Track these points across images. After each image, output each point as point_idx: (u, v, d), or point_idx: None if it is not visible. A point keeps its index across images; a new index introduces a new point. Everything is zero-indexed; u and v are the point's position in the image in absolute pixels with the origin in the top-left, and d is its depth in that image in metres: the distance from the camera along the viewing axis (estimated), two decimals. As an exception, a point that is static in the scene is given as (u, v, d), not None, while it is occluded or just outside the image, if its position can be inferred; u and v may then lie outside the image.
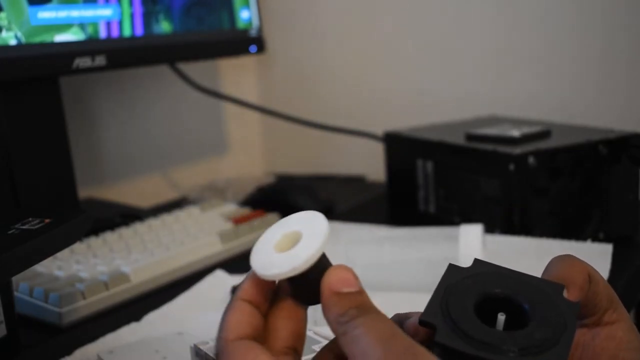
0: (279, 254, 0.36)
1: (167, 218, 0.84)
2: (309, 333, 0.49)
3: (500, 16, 1.02)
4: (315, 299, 0.35)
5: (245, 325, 0.35)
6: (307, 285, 0.35)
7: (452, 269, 0.38)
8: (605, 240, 0.73)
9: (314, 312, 0.60)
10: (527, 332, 0.34)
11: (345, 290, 0.34)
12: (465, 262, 0.40)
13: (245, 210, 0.89)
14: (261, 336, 0.36)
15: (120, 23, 0.82)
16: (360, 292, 0.34)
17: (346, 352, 0.32)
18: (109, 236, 0.77)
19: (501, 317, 0.35)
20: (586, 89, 0.98)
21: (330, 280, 0.34)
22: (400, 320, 0.38)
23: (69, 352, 0.57)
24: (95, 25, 0.80)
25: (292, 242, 0.36)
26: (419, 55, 1.11)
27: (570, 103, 0.98)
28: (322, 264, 0.35)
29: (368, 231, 0.76)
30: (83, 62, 0.78)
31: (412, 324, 0.37)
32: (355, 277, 0.34)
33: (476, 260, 0.38)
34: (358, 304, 0.33)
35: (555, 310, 0.35)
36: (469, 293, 0.36)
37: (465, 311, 0.34)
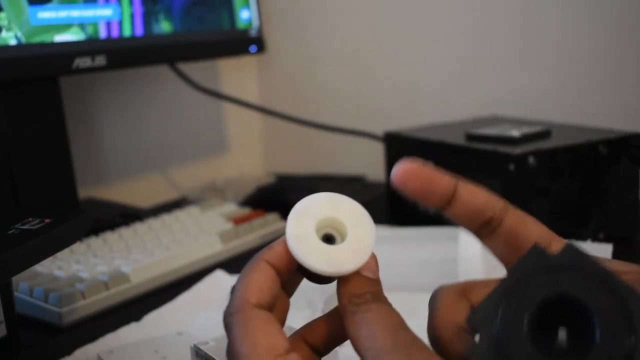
0: (324, 245, 0.33)
1: (167, 218, 0.84)
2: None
3: (500, 16, 1.02)
4: (330, 279, 0.34)
5: (267, 291, 0.33)
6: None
7: (536, 252, 0.30)
8: (605, 240, 0.73)
9: (313, 314, 0.60)
10: (601, 350, 0.27)
11: (366, 273, 0.33)
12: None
13: (245, 210, 0.89)
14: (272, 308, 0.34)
15: (120, 23, 0.82)
16: (378, 282, 0.33)
17: (349, 331, 0.32)
18: (109, 236, 0.77)
19: (562, 334, 0.29)
20: (586, 89, 0.98)
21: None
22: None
23: (69, 352, 0.57)
24: (95, 25, 0.80)
25: (336, 232, 0.34)
26: (419, 56, 1.11)
27: (571, 103, 0.98)
28: None
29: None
30: (83, 62, 0.78)
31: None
32: (377, 266, 0.34)
33: (569, 247, 0.31)
34: (375, 291, 0.33)
35: (628, 339, 0.28)
36: (535, 294, 0.29)
37: (519, 322, 0.28)
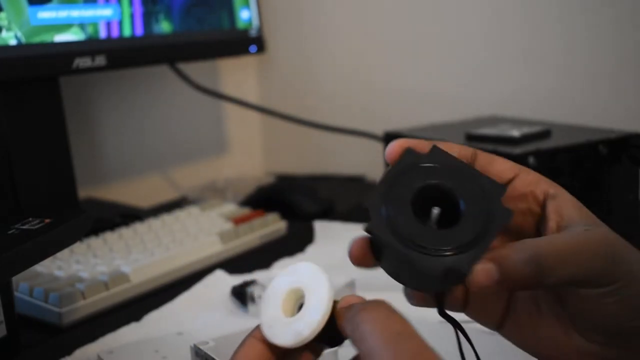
0: (285, 318, 0.37)
1: (167, 218, 0.84)
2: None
3: (500, 16, 1.02)
4: (336, 340, 0.37)
5: None
6: (324, 333, 0.36)
7: (410, 153, 0.39)
8: (605, 240, 0.73)
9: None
10: (453, 232, 0.36)
11: (353, 301, 0.35)
12: None
13: (245, 210, 0.89)
14: None
15: (120, 23, 0.82)
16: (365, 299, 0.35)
17: (359, 350, 0.33)
18: (109, 236, 0.77)
19: (435, 211, 0.37)
20: (586, 89, 0.98)
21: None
22: None
23: (69, 352, 0.57)
24: (95, 25, 0.80)
25: (296, 302, 0.37)
26: (419, 55, 1.11)
27: (571, 103, 0.98)
28: (330, 317, 0.36)
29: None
30: (83, 62, 0.78)
31: None
32: (354, 297, 0.36)
33: (435, 148, 0.39)
34: (363, 301, 0.34)
35: (487, 207, 0.36)
36: (412, 182, 0.37)
37: (403, 203, 0.36)
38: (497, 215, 0.36)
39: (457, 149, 0.40)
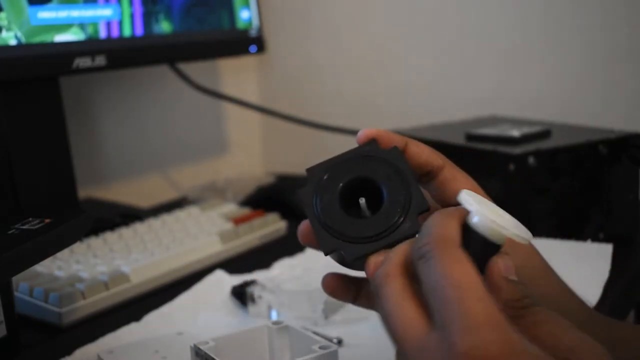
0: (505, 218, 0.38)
1: (167, 218, 0.83)
2: (308, 333, 0.49)
3: (500, 17, 1.02)
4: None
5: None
6: (480, 253, 0.36)
7: (370, 144, 0.44)
8: (605, 240, 0.73)
9: (313, 314, 0.60)
10: (366, 222, 0.41)
11: (512, 277, 0.36)
12: None
13: (245, 210, 0.89)
14: None
15: (120, 23, 0.82)
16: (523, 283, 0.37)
17: (530, 334, 0.33)
18: (109, 236, 0.77)
19: (362, 202, 0.42)
20: (586, 89, 0.98)
21: (500, 263, 0.36)
22: None
23: (69, 352, 0.57)
24: (95, 25, 0.80)
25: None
26: (419, 56, 1.11)
27: (571, 103, 0.98)
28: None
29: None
30: (83, 62, 0.78)
31: None
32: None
33: (394, 149, 0.43)
34: (528, 295, 0.36)
35: (400, 182, 0.42)
36: (348, 172, 0.43)
37: (333, 199, 0.42)
38: (406, 226, 0.40)
39: (425, 156, 0.44)
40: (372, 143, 0.44)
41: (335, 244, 0.41)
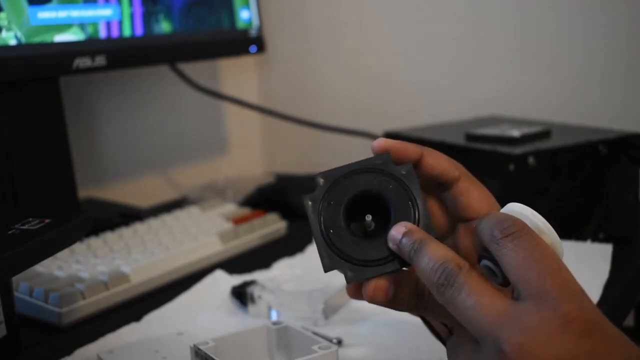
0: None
1: (167, 218, 0.83)
2: (308, 333, 0.49)
3: (500, 17, 1.02)
4: None
5: None
6: None
7: (382, 157, 0.42)
8: (605, 240, 0.73)
9: (313, 314, 0.60)
10: (369, 244, 0.40)
11: None
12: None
13: (245, 210, 0.89)
14: None
15: (120, 23, 0.82)
16: None
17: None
18: (109, 236, 0.77)
19: (368, 219, 0.41)
20: (586, 89, 0.98)
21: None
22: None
23: (69, 352, 0.57)
24: (95, 25, 0.80)
25: None
26: (419, 56, 1.11)
27: (571, 103, 0.98)
28: None
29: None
30: (83, 62, 0.78)
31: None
32: None
33: (409, 167, 0.42)
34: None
35: (410, 204, 0.41)
36: (338, 198, 0.41)
37: (337, 213, 0.41)
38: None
39: (441, 168, 0.43)
40: (385, 156, 0.42)
41: (337, 263, 0.40)
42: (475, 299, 0.35)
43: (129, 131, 1.09)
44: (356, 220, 0.42)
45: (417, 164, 0.43)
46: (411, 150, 0.43)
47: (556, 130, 0.81)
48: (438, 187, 0.44)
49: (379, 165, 0.42)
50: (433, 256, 0.38)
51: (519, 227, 0.36)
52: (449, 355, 0.39)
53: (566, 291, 0.34)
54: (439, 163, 0.43)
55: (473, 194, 0.44)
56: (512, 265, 0.35)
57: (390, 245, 0.40)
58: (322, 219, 0.41)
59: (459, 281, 0.36)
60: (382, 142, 0.43)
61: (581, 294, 0.34)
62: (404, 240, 0.39)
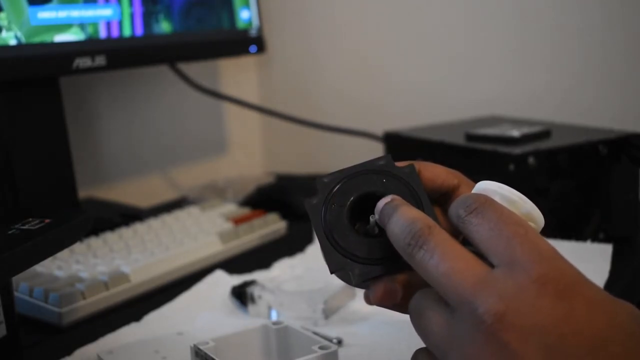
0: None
1: (167, 218, 0.83)
2: (308, 333, 0.49)
3: (500, 16, 1.02)
4: None
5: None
6: None
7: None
8: (605, 240, 0.73)
9: (313, 314, 0.60)
10: (374, 242, 0.40)
11: None
12: None
13: (245, 210, 0.89)
14: None
15: (120, 23, 0.82)
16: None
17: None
18: (109, 236, 0.77)
19: (372, 220, 0.41)
20: (586, 89, 0.98)
21: None
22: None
23: (69, 352, 0.57)
24: (95, 25, 0.80)
25: None
26: (419, 56, 1.11)
27: (571, 103, 0.98)
28: None
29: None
30: (83, 62, 0.78)
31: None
32: None
33: (411, 167, 0.42)
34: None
35: (414, 203, 0.40)
36: (341, 200, 0.41)
37: (341, 214, 0.41)
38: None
39: (440, 180, 0.43)
40: (386, 157, 0.43)
41: (343, 263, 0.40)
42: (449, 264, 0.34)
43: (129, 131, 1.09)
44: (361, 222, 0.42)
45: None
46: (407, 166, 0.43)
47: (556, 130, 0.81)
48: (440, 198, 0.44)
49: (382, 167, 0.42)
50: (402, 217, 0.37)
51: (480, 202, 0.36)
52: (412, 319, 0.37)
53: (537, 254, 0.33)
54: (437, 175, 0.43)
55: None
56: (480, 239, 0.35)
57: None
58: (325, 220, 0.41)
59: (430, 244, 0.35)
60: None
61: (553, 255, 0.33)
62: (382, 206, 0.39)
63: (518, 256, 0.33)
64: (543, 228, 0.49)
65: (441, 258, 0.34)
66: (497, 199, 0.37)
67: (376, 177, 0.42)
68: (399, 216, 0.37)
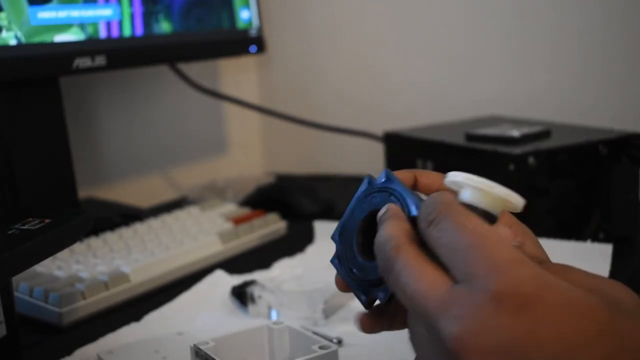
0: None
1: (167, 218, 0.84)
2: (308, 333, 0.49)
3: (500, 16, 1.02)
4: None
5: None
6: None
7: (368, 181, 0.43)
8: (605, 240, 0.73)
9: (313, 314, 0.60)
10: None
11: (514, 243, 0.38)
12: None
13: (245, 210, 0.89)
14: None
15: (120, 23, 0.82)
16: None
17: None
18: (109, 236, 0.77)
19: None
20: (586, 89, 0.98)
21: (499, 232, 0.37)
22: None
23: (69, 352, 0.57)
24: (95, 25, 0.80)
25: None
26: (419, 56, 1.11)
27: (570, 103, 0.98)
28: None
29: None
30: (83, 62, 0.78)
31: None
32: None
33: (387, 172, 0.42)
34: (536, 256, 0.38)
35: (390, 198, 0.41)
36: (362, 212, 0.42)
37: (350, 239, 0.42)
38: None
39: (437, 185, 0.43)
40: (366, 179, 0.43)
41: (369, 292, 0.40)
42: (413, 287, 0.33)
43: (129, 131, 1.09)
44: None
45: (413, 186, 0.43)
46: (404, 176, 0.43)
47: (556, 130, 0.81)
48: None
49: (364, 192, 0.43)
50: (381, 235, 0.37)
51: (438, 211, 0.35)
52: (410, 334, 0.37)
53: (493, 266, 0.31)
54: (433, 180, 0.43)
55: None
56: (441, 253, 0.34)
57: None
58: (346, 267, 0.42)
59: (398, 266, 0.34)
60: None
61: (511, 263, 0.31)
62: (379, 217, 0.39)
63: (475, 270, 0.31)
64: (543, 228, 0.49)
65: (406, 280, 0.34)
66: (467, 191, 0.37)
67: (362, 202, 0.43)
68: (376, 239, 0.37)
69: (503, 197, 0.36)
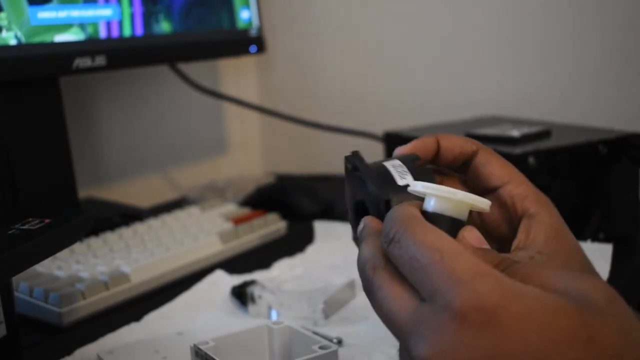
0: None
1: (167, 218, 0.84)
2: (308, 333, 0.49)
3: (500, 16, 1.02)
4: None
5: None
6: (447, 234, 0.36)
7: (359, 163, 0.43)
8: (605, 240, 0.73)
9: (313, 314, 0.60)
10: None
11: (483, 246, 0.37)
12: None
13: (245, 210, 0.89)
14: None
15: (120, 23, 0.82)
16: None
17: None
18: (109, 236, 0.77)
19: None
20: (586, 89, 0.98)
21: (467, 236, 0.37)
22: None
23: (69, 352, 0.57)
24: (95, 25, 0.80)
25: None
26: (419, 55, 1.11)
27: (571, 103, 0.98)
28: None
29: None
30: (83, 62, 0.78)
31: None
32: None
33: (352, 160, 0.43)
34: (505, 258, 0.36)
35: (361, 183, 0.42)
36: (350, 190, 0.44)
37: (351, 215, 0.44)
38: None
39: (458, 149, 0.44)
40: (356, 156, 0.43)
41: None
42: (386, 308, 0.33)
43: (129, 131, 1.09)
44: None
45: (436, 153, 0.44)
46: (428, 142, 0.44)
47: (556, 130, 0.81)
48: (461, 167, 0.45)
49: (348, 172, 0.44)
50: (359, 256, 0.37)
51: (396, 228, 0.34)
52: (399, 353, 0.37)
53: (454, 281, 0.30)
54: (455, 143, 0.44)
55: (494, 163, 0.44)
56: (404, 272, 0.33)
57: None
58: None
59: (373, 288, 0.35)
60: (400, 149, 0.44)
61: (472, 278, 0.30)
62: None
63: (436, 286, 0.31)
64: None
65: (381, 301, 0.34)
66: (430, 200, 0.37)
67: (349, 177, 0.44)
68: (357, 260, 0.37)
69: (466, 201, 0.36)
